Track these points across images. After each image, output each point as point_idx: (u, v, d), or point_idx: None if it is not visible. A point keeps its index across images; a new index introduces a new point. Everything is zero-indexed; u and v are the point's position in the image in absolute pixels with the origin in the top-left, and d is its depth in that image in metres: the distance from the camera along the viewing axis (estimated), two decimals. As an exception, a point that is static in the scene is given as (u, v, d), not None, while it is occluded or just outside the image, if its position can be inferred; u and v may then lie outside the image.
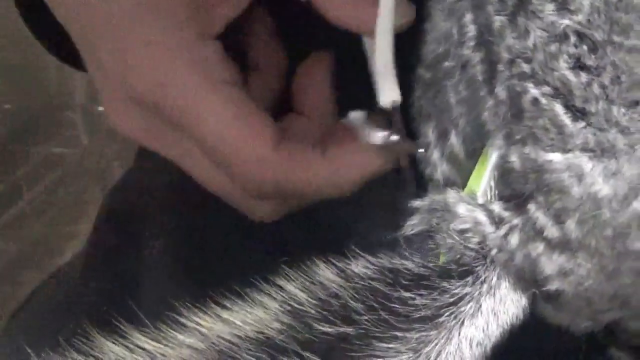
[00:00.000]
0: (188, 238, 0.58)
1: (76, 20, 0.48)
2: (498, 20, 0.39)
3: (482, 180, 0.41)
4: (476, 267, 0.40)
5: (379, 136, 0.46)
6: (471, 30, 0.40)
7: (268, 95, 0.51)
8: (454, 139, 0.43)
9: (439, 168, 0.44)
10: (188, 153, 0.47)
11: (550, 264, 0.39)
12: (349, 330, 0.37)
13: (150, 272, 0.57)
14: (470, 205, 0.41)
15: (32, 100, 1.31)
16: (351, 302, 0.38)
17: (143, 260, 0.58)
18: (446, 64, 0.42)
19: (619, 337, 0.47)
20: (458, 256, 0.40)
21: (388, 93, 0.45)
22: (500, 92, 0.39)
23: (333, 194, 0.46)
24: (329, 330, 0.37)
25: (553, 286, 0.39)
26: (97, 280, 0.58)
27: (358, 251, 0.41)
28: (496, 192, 0.41)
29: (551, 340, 0.52)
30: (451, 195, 0.41)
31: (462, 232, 0.40)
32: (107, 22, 0.46)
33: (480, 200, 0.41)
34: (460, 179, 0.44)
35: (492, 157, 0.41)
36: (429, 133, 0.45)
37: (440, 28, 0.42)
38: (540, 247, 0.39)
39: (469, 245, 0.40)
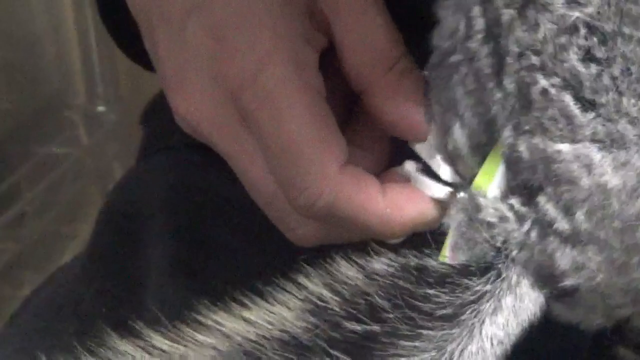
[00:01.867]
0: (188, 238, 0.58)
1: None
2: (507, 14, 0.39)
3: (494, 177, 0.41)
4: (497, 264, 0.40)
5: (440, 190, 0.45)
6: (479, 23, 0.40)
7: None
8: (458, 133, 0.43)
9: (441, 163, 0.44)
10: (246, 153, 0.46)
11: (564, 258, 0.39)
12: (376, 328, 0.37)
13: (150, 272, 0.57)
14: (494, 202, 0.41)
15: (32, 100, 1.31)
16: (378, 299, 0.38)
17: (143, 260, 0.58)
18: (453, 57, 0.42)
19: (627, 335, 0.47)
20: (482, 254, 0.40)
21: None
22: (509, 84, 0.39)
23: (381, 232, 0.45)
24: (357, 328, 0.37)
25: (569, 282, 0.39)
26: (98, 280, 0.58)
27: (378, 247, 0.40)
28: (505, 186, 0.41)
29: (557, 338, 0.52)
30: (475, 191, 0.41)
31: (489, 227, 0.40)
32: None
33: (496, 196, 0.41)
34: (462, 174, 0.44)
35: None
36: (432, 127, 0.44)
37: (448, 24, 0.42)
38: (554, 241, 0.39)
39: (494, 243, 0.40)
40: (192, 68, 0.46)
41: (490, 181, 0.41)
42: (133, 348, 0.38)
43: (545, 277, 0.40)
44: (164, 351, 0.38)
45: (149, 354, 0.38)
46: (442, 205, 0.45)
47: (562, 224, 0.38)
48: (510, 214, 0.40)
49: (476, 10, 0.40)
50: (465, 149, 0.43)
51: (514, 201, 0.40)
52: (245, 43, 0.45)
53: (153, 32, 0.48)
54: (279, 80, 0.44)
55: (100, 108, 1.35)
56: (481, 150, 0.42)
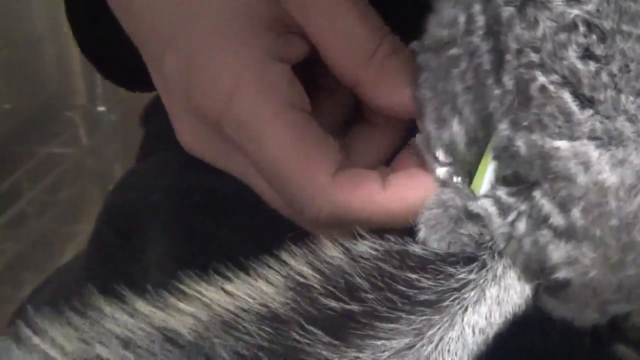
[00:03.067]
0: (188, 238, 0.58)
1: (143, 25, 0.48)
2: (507, 11, 0.39)
3: (486, 174, 0.41)
4: (481, 255, 0.40)
5: (443, 170, 0.45)
6: (480, 20, 0.40)
7: (340, 114, 0.50)
8: (456, 127, 0.43)
9: (438, 156, 0.44)
10: (245, 168, 0.47)
11: (557, 251, 0.39)
12: (355, 307, 0.37)
13: (150, 271, 0.57)
14: (478, 197, 0.41)
15: (32, 100, 1.31)
16: (357, 279, 0.38)
17: (143, 260, 0.58)
18: (452, 51, 0.42)
19: (626, 334, 0.47)
20: (464, 247, 0.40)
21: None
22: (507, 81, 0.39)
23: (389, 223, 0.45)
24: (335, 305, 0.38)
25: (561, 275, 0.39)
26: (98, 280, 0.58)
27: (363, 232, 0.41)
28: (496, 177, 0.41)
29: (556, 337, 0.51)
30: (458, 186, 0.41)
31: (472, 220, 0.40)
32: (183, 28, 0.46)
33: (484, 192, 0.41)
34: (458, 168, 0.44)
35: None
36: (429, 119, 0.44)
37: (446, 13, 0.42)
38: (547, 234, 0.39)
39: (477, 239, 0.40)
40: (174, 100, 0.47)
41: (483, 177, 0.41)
42: (116, 310, 0.39)
43: (535, 270, 0.40)
44: (145, 315, 0.39)
45: (131, 316, 0.39)
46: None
47: (557, 220, 0.38)
48: (493, 208, 0.40)
49: (477, 7, 0.40)
50: (462, 144, 0.43)
51: (501, 192, 0.40)
52: (213, 72, 0.45)
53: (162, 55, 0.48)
54: (251, 106, 0.45)
55: (100, 108, 1.35)
56: (477, 144, 0.42)
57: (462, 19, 0.41)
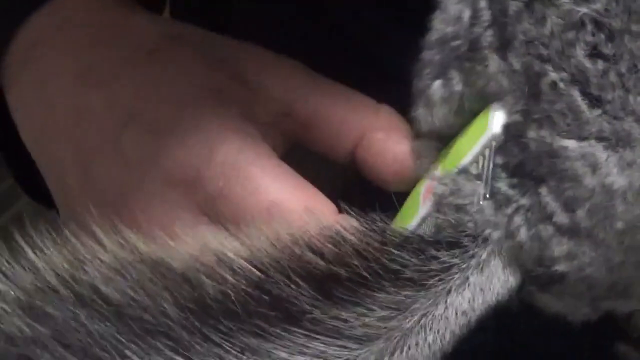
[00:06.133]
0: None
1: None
2: (514, 5, 0.39)
3: (475, 145, 0.40)
4: (463, 242, 0.39)
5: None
6: (486, 15, 0.40)
7: None
8: (435, 88, 0.42)
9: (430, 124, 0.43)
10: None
11: (559, 246, 0.38)
12: (341, 270, 0.37)
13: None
14: (473, 181, 0.40)
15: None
16: (344, 245, 0.38)
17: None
18: (454, 42, 0.41)
19: (628, 333, 0.47)
20: (447, 232, 0.40)
21: None
22: (515, 62, 0.39)
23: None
24: (321, 264, 0.37)
25: (560, 268, 0.38)
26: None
27: (347, 207, 0.40)
28: (491, 163, 0.40)
29: (557, 339, 0.51)
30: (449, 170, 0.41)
31: (459, 209, 0.40)
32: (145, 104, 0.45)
33: (474, 171, 0.40)
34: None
35: (494, 122, 0.40)
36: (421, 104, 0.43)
37: (452, 9, 0.41)
38: (550, 229, 0.38)
39: (461, 226, 0.40)
40: (138, 181, 0.45)
41: (470, 151, 0.41)
42: (109, 241, 0.39)
43: (527, 261, 0.39)
44: (135, 246, 0.39)
45: (121, 246, 0.39)
46: None
47: (562, 218, 0.38)
48: (487, 202, 0.39)
49: (483, 3, 0.40)
50: (439, 103, 0.42)
51: (502, 184, 0.39)
52: (189, 131, 0.44)
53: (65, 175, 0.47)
54: (238, 150, 0.43)
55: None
56: (462, 116, 0.42)
57: (467, 14, 0.40)
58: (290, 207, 0.43)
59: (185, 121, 0.44)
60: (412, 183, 0.44)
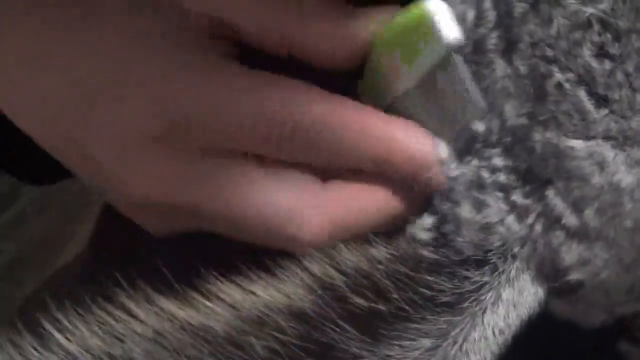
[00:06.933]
0: (189, 238, 0.57)
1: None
2: (520, 7, 0.39)
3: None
4: (491, 259, 0.40)
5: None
6: (491, 15, 0.40)
7: None
8: None
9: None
10: None
11: (570, 253, 0.39)
12: (382, 307, 0.37)
13: (151, 272, 0.56)
14: (495, 200, 0.40)
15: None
16: (382, 279, 0.38)
17: (144, 260, 0.58)
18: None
19: (633, 333, 0.47)
20: (473, 251, 0.40)
21: None
22: (520, 65, 0.39)
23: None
24: (364, 304, 0.37)
25: (574, 277, 0.39)
26: (98, 280, 0.57)
27: (373, 236, 0.40)
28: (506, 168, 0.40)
29: (561, 340, 0.51)
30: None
31: (484, 228, 0.40)
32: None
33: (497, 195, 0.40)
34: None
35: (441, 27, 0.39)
36: None
37: (456, 10, 0.41)
38: (560, 235, 0.38)
39: (487, 246, 0.40)
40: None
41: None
42: (140, 307, 0.38)
43: (548, 272, 0.39)
44: (171, 312, 0.38)
45: (156, 314, 0.38)
46: None
47: (570, 220, 0.38)
48: (511, 217, 0.39)
49: (487, 3, 0.40)
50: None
51: (516, 197, 0.39)
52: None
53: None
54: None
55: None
56: None
57: (471, 14, 0.40)
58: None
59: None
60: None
